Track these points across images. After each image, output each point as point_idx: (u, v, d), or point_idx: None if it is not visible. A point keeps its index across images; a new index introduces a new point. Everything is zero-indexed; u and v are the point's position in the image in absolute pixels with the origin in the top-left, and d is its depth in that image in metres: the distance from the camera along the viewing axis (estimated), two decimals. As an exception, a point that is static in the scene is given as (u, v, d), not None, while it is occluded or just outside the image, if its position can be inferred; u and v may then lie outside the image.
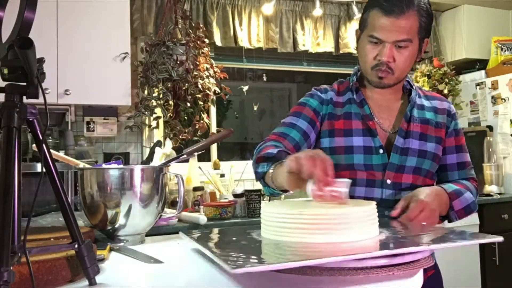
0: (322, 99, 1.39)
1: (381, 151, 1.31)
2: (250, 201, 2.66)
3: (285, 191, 1.15)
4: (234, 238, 1.05)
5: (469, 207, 1.32)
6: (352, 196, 1.29)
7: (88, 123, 2.94)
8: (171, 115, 2.97)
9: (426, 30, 1.30)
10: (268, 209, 0.96)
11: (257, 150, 1.29)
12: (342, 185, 0.97)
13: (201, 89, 2.97)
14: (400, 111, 1.38)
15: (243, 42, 3.38)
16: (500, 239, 0.86)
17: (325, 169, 0.94)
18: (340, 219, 0.88)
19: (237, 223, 2.53)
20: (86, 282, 0.87)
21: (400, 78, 1.32)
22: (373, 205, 0.95)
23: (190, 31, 3.03)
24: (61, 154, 2.06)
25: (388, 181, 1.30)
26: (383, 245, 0.87)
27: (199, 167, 3.04)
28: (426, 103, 1.40)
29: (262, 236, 0.97)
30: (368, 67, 1.31)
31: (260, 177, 1.24)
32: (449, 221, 1.34)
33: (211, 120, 3.40)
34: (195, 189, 2.91)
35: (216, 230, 1.25)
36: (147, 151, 3.14)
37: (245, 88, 3.58)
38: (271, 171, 1.14)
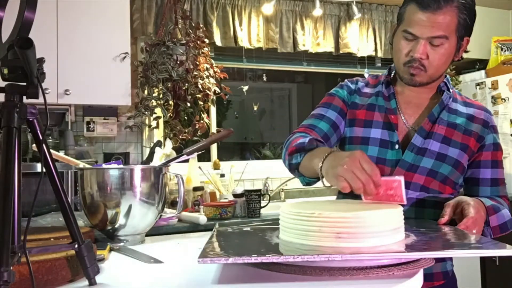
0: (351, 89, 1.38)
1: (396, 146, 1.27)
2: (250, 201, 2.66)
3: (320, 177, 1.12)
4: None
5: (505, 225, 1.24)
6: None
7: (88, 123, 2.94)
8: (171, 115, 2.97)
9: (467, 28, 1.24)
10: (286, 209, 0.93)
11: (286, 143, 1.28)
12: (396, 185, 0.98)
13: (201, 89, 2.97)
14: (427, 109, 1.32)
15: (243, 42, 3.38)
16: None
17: (372, 183, 0.94)
18: (361, 223, 0.85)
19: (237, 223, 2.53)
20: (86, 282, 0.87)
21: (433, 77, 1.26)
22: (399, 209, 0.92)
23: (190, 31, 3.03)
24: (61, 154, 2.06)
25: None
26: (409, 248, 0.85)
27: (199, 167, 3.04)
28: (461, 108, 1.32)
29: (281, 238, 0.94)
30: (400, 63, 1.26)
31: (294, 168, 1.22)
32: None
33: (211, 120, 3.40)
34: (195, 189, 2.92)
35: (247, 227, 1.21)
36: (147, 151, 3.14)
37: (245, 88, 3.58)
38: (318, 166, 1.08)
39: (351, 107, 1.36)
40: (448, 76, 1.36)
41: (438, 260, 1.25)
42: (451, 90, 1.33)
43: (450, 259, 1.31)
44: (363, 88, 1.38)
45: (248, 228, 1.12)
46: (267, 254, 0.79)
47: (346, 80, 1.43)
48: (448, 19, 1.18)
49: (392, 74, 1.37)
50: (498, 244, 0.84)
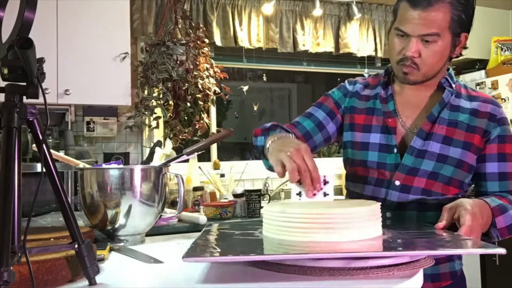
0: (347, 91, 1.37)
1: (395, 150, 1.25)
2: (250, 201, 2.66)
3: None
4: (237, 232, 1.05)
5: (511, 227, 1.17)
6: (360, 195, 1.29)
7: (88, 123, 2.94)
8: (171, 115, 2.97)
9: (463, 25, 1.20)
10: (271, 209, 0.96)
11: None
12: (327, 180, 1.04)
13: (201, 89, 2.97)
14: (425, 109, 1.28)
15: (243, 42, 3.39)
16: (502, 251, 0.79)
17: (310, 177, 1.00)
18: (343, 218, 0.88)
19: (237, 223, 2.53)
20: (86, 282, 0.87)
21: (428, 75, 1.23)
22: (377, 205, 0.95)
23: (190, 31, 3.03)
24: (61, 154, 2.06)
25: (397, 183, 1.23)
26: (387, 245, 0.87)
27: (199, 167, 3.04)
28: (465, 103, 1.26)
29: (264, 234, 0.98)
30: (394, 62, 1.24)
31: (260, 151, 1.25)
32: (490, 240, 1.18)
33: (211, 120, 3.40)
34: (195, 189, 2.92)
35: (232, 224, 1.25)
36: (147, 151, 3.14)
37: (245, 88, 3.59)
38: (267, 145, 1.13)
39: (349, 111, 1.35)
40: (451, 70, 1.31)
41: (446, 260, 1.24)
42: (453, 86, 1.28)
43: (459, 258, 1.28)
44: (362, 91, 1.36)
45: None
46: (250, 254, 0.82)
47: (346, 80, 1.42)
48: (440, 16, 1.15)
49: (388, 73, 1.35)
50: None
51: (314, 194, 1.03)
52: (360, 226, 0.90)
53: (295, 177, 0.99)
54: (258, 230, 1.03)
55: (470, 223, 1.02)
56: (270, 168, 1.20)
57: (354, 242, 0.87)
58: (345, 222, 0.88)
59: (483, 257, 3.26)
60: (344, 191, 1.91)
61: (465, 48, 1.27)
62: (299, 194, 1.05)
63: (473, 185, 1.31)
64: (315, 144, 1.34)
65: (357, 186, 1.31)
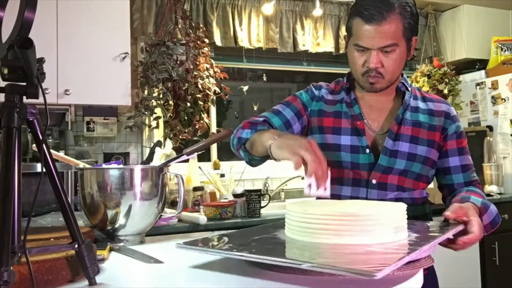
0: (314, 95, 1.43)
1: (367, 150, 1.32)
2: (250, 201, 2.66)
3: (265, 158, 1.23)
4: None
5: (495, 221, 1.30)
6: (339, 196, 1.34)
7: (88, 123, 2.94)
8: (171, 115, 2.97)
9: (413, 30, 1.29)
10: (298, 209, 0.96)
11: (237, 128, 1.36)
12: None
13: (201, 89, 2.97)
14: (390, 112, 1.37)
15: (243, 42, 3.38)
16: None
17: (326, 170, 1.02)
18: (368, 220, 0.89)
19: (237, 223, 2.53)
20: (86, 282, 0.87)
21: (392, 81, 1.32)
22: (403, 206, 0.96)
23: (190, 31, 3.03)
24: (61, 154, 2.06)
25: (374, 181, 1.31)
26: (412, 247, 0.86)
27: (199, 167, 3.04)
28: (422, 105, 1.38)
29: (287, 235, 0.98)
30: (358, 74, 1.32)
31: (243, 143, 1.29)
32: None
33: (211, 120, 3.40)
34: (195, 189, 2.91)
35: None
36: (147, 151, 3.14)
37: (245, 88, 3.58)
38: (269, 142, 1.15)
39: (317, 114, 1.40)
40: (404, 75, 1.40)
41: None
42: (409, 89, 1.38)
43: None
44: (327, 96, 1.43)
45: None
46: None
47: (311, 84, 1.48)
48: (394, 27, 1.23)
49: (349, 80, 1.42)
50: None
51: (325, 188, 1.04)
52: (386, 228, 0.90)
53: (317, 167, 1.01)
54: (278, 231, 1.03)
55: (477, 233, 1.11)
56: (250, 162, 1.32)
57: (381, 244, 0.87)
58: (376, 223, 0.89)
59: (483, 257, 3.26)
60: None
61: (416, 49, 1.38)
62: (309, 186, 1.04)
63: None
64: None
65: (334, 188, 1.34)
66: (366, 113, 1.37)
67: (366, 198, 1.31)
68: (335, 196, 1.35)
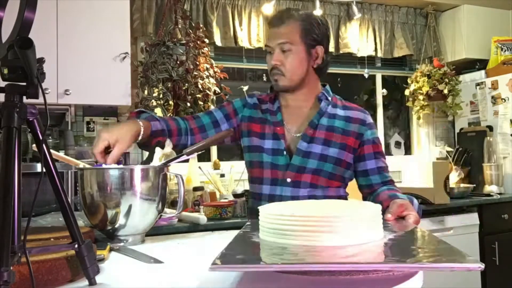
0: (246, 103, 1.62)
1: (284, 153, 1.49)
2: (250, 201, 2.66)
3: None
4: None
5: (419, 214, 1.34)
6: (259, 194, 1.52)
7: (88, 123, 2.94)
8: (171, 115, 2.97)
9: (314, 39, 1.49)
10: (269, 211, 0.96)
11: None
12: None
13: (201, 89, 2.96)
14: (307, 118, 1.54)
15: (243, 42, 3.38)
16: (481, 266, 0.72)
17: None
18: (342, 221, 0.88)
19: (237, 223, 2.53)
20: (86, 282, 0.87)
21: (294, 80, 1.50)
22: (378, 206, 0.96)
23: (190, 31, 3.03)
24: (61, 154, 2.06)
25: (288, 180, 1.48)
26: (388, 249, 0.87)
27: (199, 167, 3.04)
28: (340, 112, 1.55)
29: (261, 238, 0.96)
30: (270, 74, 1.53)
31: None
32: None
33: (211, 120, 3.39)
34: (195, 189, 2.91)
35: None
36: (147, 151, 3.14)
37: (245, 88, 3.58)
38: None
39: (247, 120, 1.59)
40: (327, 86, 1.60)
41: None
42: (330, 98, 1.56)
43: None
44: (258, 105, 1.61)
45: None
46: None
47: (247, 94, 1.70)
48: (290, 28, 1.48)
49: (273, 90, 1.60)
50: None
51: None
52: (363, 228, 0.89)
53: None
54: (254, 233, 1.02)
55: (395, 210, 1.24)
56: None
57: (358, 246, 0.86)
58: (350, 225, 0.88)
59: (483, 257, 3.26)
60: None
61: (324, 60, 1.53)
62: None
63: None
64: (207, 136, 1.53)
65: (255, 186, 1.55)
66: (288, 119, 1.55)
67: (281, 195, 1.47)
68: (256, 194, 1.54)
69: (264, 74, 3.77)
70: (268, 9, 3.44)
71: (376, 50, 3.84)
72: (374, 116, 4.01)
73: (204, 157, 3.39)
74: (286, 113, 1.56)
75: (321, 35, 1.51)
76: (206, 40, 3.07)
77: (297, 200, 1.41)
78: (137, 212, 1.26)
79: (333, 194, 1.50)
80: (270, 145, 1.52)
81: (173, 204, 2.74)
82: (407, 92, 3.98)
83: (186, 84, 2.91)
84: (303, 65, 1.50)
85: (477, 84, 3.87)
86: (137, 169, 1.28)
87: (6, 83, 0.79)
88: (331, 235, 0.86)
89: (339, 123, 1.52)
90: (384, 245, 0.90)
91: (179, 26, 3.03)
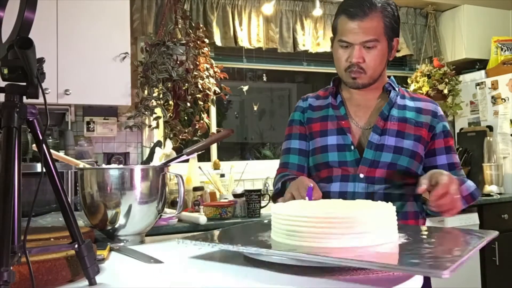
0: (303, 108, 1.52)
1: (352, 147, 1.38)
2: (250, 201, 2.66)
3: None
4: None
5: (474, 194, 1.38)
6: (328, 192, 1.39)
7: (88, 123, 2.94)
8: (171, 115, 2.97)
9: (393, 30, 1.37)
10: (282, 212, 0.95)
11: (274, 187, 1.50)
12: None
13: (201, 89, 2.96)
14: (377, 109, 1.43)
15: (243, 42, 3.38)
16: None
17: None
18: (352, 222, 0.87)
19: (237, 223, 2.53)
20: (86, 282, 0.87)
21: (373, 77, 1.38)
22: (391, 207, 0.95)
23: (190, 31, 3.03)
24: (61, 154, 2.06)
25: (361, 175, 1.36)
26: (402, 251, 0.86)
27: (199, 167, 3.04)
28: (410, 103, 1.44)
29: (273, 238, 0.96)
30: (342, 70, 1.39)
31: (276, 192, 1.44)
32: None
33: (211, 120, 3.39)
34: (195, 189, 2.91)
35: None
36: (147, 151, 3.14)
37: (245, 88, 3.58)
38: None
39: (307, 122, 1.49)
40: (392, 77, 1.48)
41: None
42: (397, 89, 1.45)
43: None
44: (314, 103, 1.51)
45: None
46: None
47: (300, 99, 1.56)
48: (375, 23, 1.33)
49: (336, 83, 1.49)
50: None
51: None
52: (375, 229, 0.89)
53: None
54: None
55: (447, 181, 1.14)
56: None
57: (372, 247, 0.86)
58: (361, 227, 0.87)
59: (483, 257, 3.26)
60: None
61: (398, 51, 1.45)
62: None
63: None
64: (305, 172, 1.48)
65: (324, 186, 1.41)
66: (354, 112, 1.44)
67: (354, 192, 1.36)
68: (324, 192, 1.38)
69: (264, 74, 3.77)
70: (268, 9, 3.44)
71: (376, 50, 3.83)
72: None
73: (204, 157, 3.39)
74: (352, 105, 1.45)
75: (397, 24, 1.39)
76: (206, 40, 3.07)
77: (372, 198, 1.30)
78: (137, 212, 1.26)
79: (410, 193, 1.38)
80: (334, 141, 1.41)
81: (173, 204, 2.74)
82: (407, 92, 3.98)
83: (186, 84, 2.91)
84: (384, 60, 1.39)
85: (477, 84, 3.87)
86: (137, 169, 1.28)
87: (6, 83, 0.79)
88: (338, 237, 0.86)
89: (410, 114, 1.41)
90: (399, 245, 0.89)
91: (179, 26, 3.03)
